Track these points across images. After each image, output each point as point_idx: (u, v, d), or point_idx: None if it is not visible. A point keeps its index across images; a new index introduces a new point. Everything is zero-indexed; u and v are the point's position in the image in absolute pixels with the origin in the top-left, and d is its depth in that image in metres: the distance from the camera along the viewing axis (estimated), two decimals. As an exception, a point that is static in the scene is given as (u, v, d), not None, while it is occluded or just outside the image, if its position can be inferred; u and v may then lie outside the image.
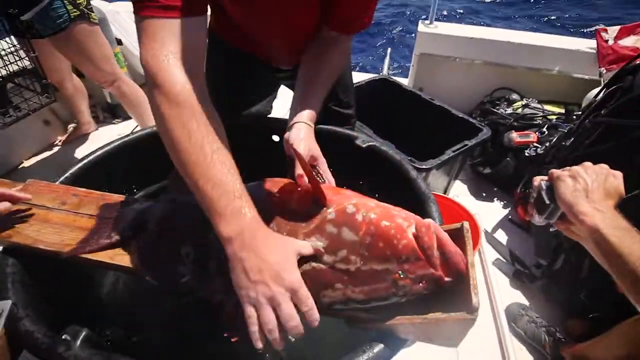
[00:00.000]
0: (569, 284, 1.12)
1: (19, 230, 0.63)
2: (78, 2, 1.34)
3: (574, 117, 1.56)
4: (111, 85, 1.54)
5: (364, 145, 0.85)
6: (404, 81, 1.91)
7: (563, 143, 1.32)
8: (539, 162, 1.45)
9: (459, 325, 0.46)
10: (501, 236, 1.46)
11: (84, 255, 0.60)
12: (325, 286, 0.48)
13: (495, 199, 1.66)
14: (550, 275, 1.20)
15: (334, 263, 0.48)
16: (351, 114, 1.06)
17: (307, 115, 0.69)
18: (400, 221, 0.49)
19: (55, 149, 1.92)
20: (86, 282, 0.65)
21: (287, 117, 0.74)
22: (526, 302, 1.22)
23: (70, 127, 2.02)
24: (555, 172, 0.59)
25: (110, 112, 2.16)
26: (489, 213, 1.57)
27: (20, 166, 1.79)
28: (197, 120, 0.50)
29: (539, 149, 1.49)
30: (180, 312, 0.79)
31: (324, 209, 0.52)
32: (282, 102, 1.13)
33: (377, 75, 1.84)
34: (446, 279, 0.46)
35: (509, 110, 1.71)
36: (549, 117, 1.62)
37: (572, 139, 1.27)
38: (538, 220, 0.61)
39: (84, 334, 0.51)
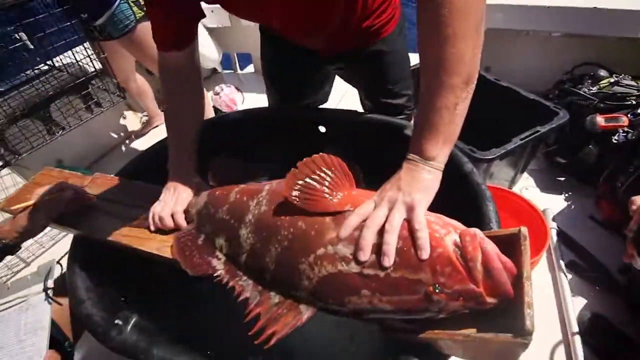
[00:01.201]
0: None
1: (85, 221, 0.70)
2: (141, 2, 1.43)
3: (681, 95, 1.30)
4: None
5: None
6: (467, 61, 1.74)
7: (663, 127, 1.10)
8: (629, 150, 1.24)
9: (507, 349, 0.40)
10: (578, 235, 1.28)
11: (135, 246, 0.64)
12: (350, 292, 0.45)
13: (572, 192, 1.46)
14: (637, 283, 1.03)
15: (361, 268, 0.45)
16: (402, 103, 0.99)
17: None
18: (438, 228, 0.44)
19: (130, 141, 2.12)
20: (141, 270, 0.71)
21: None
22: (604, 311, 1.06)
23: (143, 120, 2.21)
24: None
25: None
26: (565, 209, 1.39)
27: (102, 158, 2.01)
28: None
29: (630, 135, 1.27)
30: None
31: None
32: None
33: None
34: (488, 299, 0.40)
35: (594, 89, 1.48)
36: (646, 96, 1.37)
37: (676, 122, 1.05)
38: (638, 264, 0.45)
39: (134, 319, 0.55)
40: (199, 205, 0.66)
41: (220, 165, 0.69)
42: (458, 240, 0.43)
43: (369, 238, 0.45)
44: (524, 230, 0.46)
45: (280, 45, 0.89)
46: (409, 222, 0.46)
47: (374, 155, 0.73)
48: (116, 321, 0.55)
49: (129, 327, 0.55)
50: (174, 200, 0.67)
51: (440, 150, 0.51)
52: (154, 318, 0.59)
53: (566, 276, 1.15)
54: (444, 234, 0.43)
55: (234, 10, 0.75)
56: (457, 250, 0.42)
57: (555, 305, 1.10)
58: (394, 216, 0.46)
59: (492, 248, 0.41)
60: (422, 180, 0.49)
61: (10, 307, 0.77)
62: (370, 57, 0.87)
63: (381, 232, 0.45)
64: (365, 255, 0.45)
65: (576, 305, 1.07)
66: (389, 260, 0.43)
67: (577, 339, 0.99)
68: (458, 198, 0.64)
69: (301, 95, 1.02)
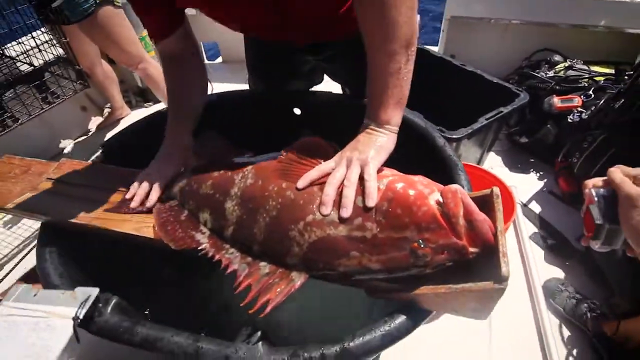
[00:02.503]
0: (619, 263, 1.04)
1: (53, 206, 0.66)
2: (102, -16, 1.36)
3: (626, 77, 1.41)
4: (137, 68, 1.57)
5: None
6: (435, 49, 1.80)
7: (611, 105, 1.20)
8: (583, 128, 1.33)
9: (487, 296, 0.43)
10: (539, 209, 1.38)
11: (113, 229, 0.62)
12: (340, 254, 0.46)
13: (533, 170, 1.56)
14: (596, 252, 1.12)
15: (349, 231, 0.46)
16: None
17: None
18: (421, 187, 0.46)
19: (92, 133, 2.01)
20: (112, 253, 0.68)
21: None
22: (567, 278, 1.15)
23: (105, 112, 2.11)
24: (617, 172, 0.42)
25: (141, 96, 2.23)
26: (527, 185, 1.48)
27: (62, 153, 1.90)
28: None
29: (583, 115, 1.37)
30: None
31: None
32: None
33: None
34: (471, 249, 0.43)
35: (551, 74, 1.58)
36: (596, 78, 1.48)
37: (622, 100, 1.15)
38: (594, 246, 0.47)
39: (114, 301, 0.54)
40: (182, 181, 0.64)
41: (205, 142, 0.68)
42: (440, 198, 0.45)
43: (330, 193, 0.49)
44: (496, 189, 0.49)
45: (262, 41, 0.89)
46: (361, 175, 0.50)
47: (349, 133, 0.75)
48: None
49: (110, 309, 0.53)
50: (163, 168, 0.67)
51: (392, 113, 0.55)
52: (135, 299, 0.58)
53: (530, 246, 1.23)
54: (428, 193, 0.45)
55: (214, 16, 0.75)
56: (440, 208, 0.44)
57: (522, 273, 1.17)
58: (352, 172, 0.50)
59: (472, 203, 0.44)
60: (376, 142, 0.54)
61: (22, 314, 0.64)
62: (352, 47, 0.88)
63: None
64: (327, 209, 0.48)
65: (540, 273, 1.15)
66: (347, 212, 0.47)
67: (543, 303, 1.07)
68: (432, 169, 0.67)
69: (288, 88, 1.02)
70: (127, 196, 0.65)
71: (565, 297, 1.06)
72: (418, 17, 2.58)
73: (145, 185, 0.65)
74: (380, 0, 0.51)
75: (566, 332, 1.03)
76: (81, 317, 0.58)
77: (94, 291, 0.60)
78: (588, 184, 0.47)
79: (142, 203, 0.64)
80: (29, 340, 0.57)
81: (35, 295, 0.62)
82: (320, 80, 1.07)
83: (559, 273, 1.17)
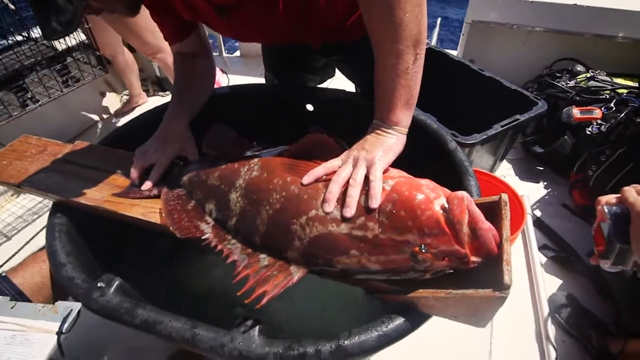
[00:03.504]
0: (630, 283, 1.01)
1: (65, 186, 0.68)
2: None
3: (651, 90, 1.37)
4: (156, 57, 1.59)
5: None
6: (454, 53, 1.78)
7: (633, 119, 1.16)
8: (601, 141, 1.30)
9: (487, 304, 0.42)
10: (551, 221, 1.34)
11: (120, 212, 0.63)
12: (340, 252, 0.46)
13: (546, 181, 1.53)
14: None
15: (351, 229, 0.46)
16: None
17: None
18: (427, 191, 0.45)
19: (108, 118, 2.05)
20: (120, 235, 0.70)
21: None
22: (574, 293, 1.12)
23: (123, 98, 2.15)
24: (631, 191, 0.40)
25: (159, 85, 2.26)
26: (539, 196, 1.45)
27: (78, 136, 1.94)
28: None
29: (602, 127, 1.34)
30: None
31: None
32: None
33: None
34: (473, 258, 0.42)
35: (571, 83, 1.54)
36: (619, 91, 1.44)
37: (646, 114, 1.11)
38: (604, 265, 0.46)
39: (117, 282, 0.55)
40: (191, 171, 0.65)
41: (215, 134, 0.69)
42: (446, 203, 0.44)
43: (334, 191, 0.48)
44: (505, 196, 0.48)
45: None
46: (367, 175, 0.49)
47: (359, 132, 0.74)
48: (98, 284, 0.54)
49: (112, 290, 0.54)
50: (159, 150, 0.68)
51: (401, 114, 0.55)
52: (138, 282, 0.59)
53: (539, 258, 1.21)
54: (433, 197, 0.45)
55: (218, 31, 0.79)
56: (444, 213, 0.44)
57: (527, 285, 1.15)
58: (357, 172, 0.49)
59: (478, 211, 0.43)
60: (385, 142, 0.54)
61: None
62: (362, 48, 0.88)
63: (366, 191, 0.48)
64: (330, 207, 0.47)
65: (547, 286, 1.13)
66: (350, 211, 0.46)
67: (547, 317, 1.05)
68: (442, 173, 0.66)
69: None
70: (131, 177, 0.67)
71: (571, 312, 1.03)
72: (438, 19, 2.52)
73: (144, 166, 0.67)
74: (389, 0, 0.49)
75: (569, 347, 1.01)
76: (64, 331, 0.58)
77: (76, 305, 0.60)
78: (601, 201, 0.46)
79: (149, 189, 0.66)
80: (4, 356, 0.55)
81: (12, 307, 0.63)
82: (332, 74, 1.08)
83: (566, 287, 1.15)
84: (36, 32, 1.52)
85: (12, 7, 1.24)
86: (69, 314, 0.62)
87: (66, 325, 0.61)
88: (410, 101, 0.55)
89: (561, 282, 1.16)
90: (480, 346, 1.01)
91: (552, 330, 1.02)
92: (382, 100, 0.56)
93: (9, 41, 1.44)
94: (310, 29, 0.76)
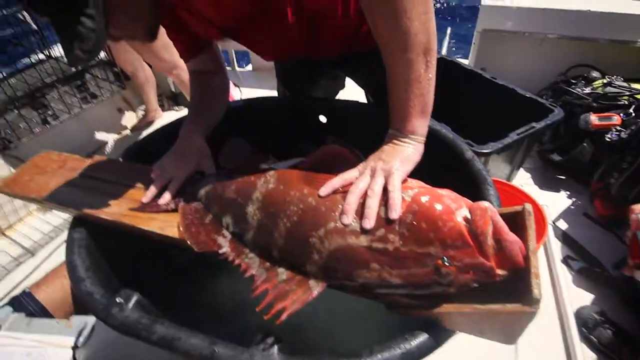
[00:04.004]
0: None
1: (84, 201, 0.69)
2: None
3: (672, 96, 1.33)
4: (171, 74, 1.63)
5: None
6: (465, 62, 1.77)
7: (656, 125, 1.13)
8: (621, 148, 1.26)
9: (516, 319, 0.40)
10: (573, 232, 1.30)
11: (138, 226, 0.63)
12: (360, 265, 0.45)
13: (565, 190, 1.49)
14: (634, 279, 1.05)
15: (370, 242, 0.45)
16: None
17: None
18: (449, 202, 0.44)
19: (126, 133, 2.10)
20: (139, 251, 0.70)
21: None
22: (601, 306, 1.07)
23: (140, 114, 2.19)
24: None
25: (174, 100, 2.31)
26: (559, 205, 1.41)
27: (96, 151, 1.98)
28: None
29: (622, 134, 1.30)
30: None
31: None
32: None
33: (433, 55, 1.73)
34: (499, 271, 0.41)
35: (588, 90, 1.51)
36: (637, 96, 1.40)
37: (669, 120, 1.08)
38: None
39: (135, 298, 0.54)
40: (208, 185, 0.65)
41: (231, 148, 0.69)
42: (469, 215, 0.43)
43: (352, 203, 0.47)
44: (528, 206, 0.46)
45: None
46: (385, 186, 0.48)
47: (373, 143, 0.74)
48: (117, 299, 0.54)
49: (131, 305, 0.54)
50: (177, 165, 0.69)
51: (417, 123, 0.54)
52: (155, 297, 0.58)
53: (563, 271, 1.17)
54: (455, 208, 0.43)
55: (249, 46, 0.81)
56: (467, 225, 0.42)
57: (552, 299, 1.11)
58: (375, 183, 0.49)
59: (502, 222, 0.42)
60: (402, 152, 0.53)
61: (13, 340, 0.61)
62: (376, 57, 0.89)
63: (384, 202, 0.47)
64: (348, 219, 0.47)
65: (573, 300, 1.09)
66: (369, 223, 0.45)
67: (575, 333, 1.00)
68: (460, 184, 0.65)
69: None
70: (149, 194, 0.67)
71: (600, 328, 0.99)
72: (448, 29, 2.53)
73: (163, 182, 0.68)
74: (390, 9, 0.49)
75: (599, 365, 0.97)
76: (79, 345, 0.59)
77: (90, 319, 0.61)
78: (635, 209, 0.44)
79: (167, 203, 0.66)
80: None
81: (28, 324, 0.64)
82: (342, 86, 1.09)
83: (593, 300, 1.10)
84: (57, 51, 1.57)
85: (35, 27, 1.29)
86: (83, 328, 0.62)
87: (81, 339, 0.62)
88: (425, 109, 0.54)
89: (587, 295, 1.12)
90: (504, 363, 0.97)
91: (580, 346, 0.97)
92: (396, 110, 0.55)
93: (32, 60, 1.50)
94: (326, 40, 0.76)
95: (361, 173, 0.52)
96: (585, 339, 1.00)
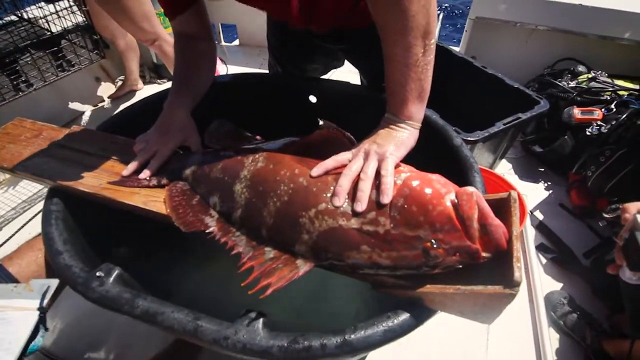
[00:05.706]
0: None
1: (62, 172, 0.66)
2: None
3: (651, 93, 1.37)
4: (153, 44, 1.55)
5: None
6: (456, 49, 1.76)
7: (634, 121, 1.17)
8: (601, 142, 1.30)
9: (495, 300, 0.42)
10: (549, 221, 1.35)
11: (120, 200, 0.61)
12: (350, 247, 0.45)
13: (544, 180, 1.53)
14: (601, 267, 1.10)
15: (361, 224, 0.45)
16: None
17: None
18: (438, 187, 0.45)
19: (104, 103, 2.01)
20: (121, 225, 0.68)
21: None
22: (570, 292, 1.13)
23: (118, 82, 2.10)
24: None
25: (156, 72, 2.22)
26: (538, 195, 1.46)
27: (72, 121, 1.90)
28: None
29: (602, 128, 1.34)
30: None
31: None
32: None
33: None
34: (483, 254, 0.42)
35: (573, 84, 1.54)
36: (620, 92, 1.44)
37: (647, 116, 1.12)
38: (630, 276, 0.44)
39: (116, 272, 0.53)
40: (194, 165, 0.63)
41: (217, 128, 0.67)
42: (455, 199, 0.44)
43: (345, 185, 0.47)
44: (514, 194, 0.48)
45: (286, 28, 0.87)
46: (378, 170, 0.48)
47: (364, 127, 0.74)
48: (97, 273, 0.53)
49: (112, 279, 0.52)
50: (161, 139, 0.66)
51: (414, 108, 0.53)
52: (137, 272, 0.57)
53: (538, 257, 1.22)
54: (444, 192, 0.44)
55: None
56: (454, 209, 0.43)
57: (525, 283, 1.16)
58: (368, 166, 0.48)
59: (487, 206, 0.43)
60: (397, 137, 0.52)
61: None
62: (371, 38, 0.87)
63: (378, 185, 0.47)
64: (340, 200, 0.47)
65: (544, 285, 1.14)
66: (361, 206, 0.45)
67: (544, 315, 1.06)
68: (446, 169, 0.65)
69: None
70: (130, 168, 0.64)
71: (567, 311, 1.04)
72: (440, 14, 2.51)
73: (146, 157, 0.65)
74: None
75: (564, 347, 1.02)
76: (45, 306, 0.57)
77: (53, 282, 0.59)
78: (630, 209, 0.43)
79: (148, 178, 0.64)
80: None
81: None
82: (336, 65, 1.06)
83: (562, 286, 1.16)
84: (31, 13, 1.47)
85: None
86: (46, 291, 0.61)
87: (45, 301, 0.60)
88: (422, 94, 0.53)
89: (557, 281, 1.17)
90: (477, 343, 1.01)
91: (547, 328, 1.03)
92: (393, 94, 0.54)
93: (3, 21, 1.40)
94: (319, 9, 0.73)
95: (354, 156, 0.51)
96: (553, 322, 1.06)
